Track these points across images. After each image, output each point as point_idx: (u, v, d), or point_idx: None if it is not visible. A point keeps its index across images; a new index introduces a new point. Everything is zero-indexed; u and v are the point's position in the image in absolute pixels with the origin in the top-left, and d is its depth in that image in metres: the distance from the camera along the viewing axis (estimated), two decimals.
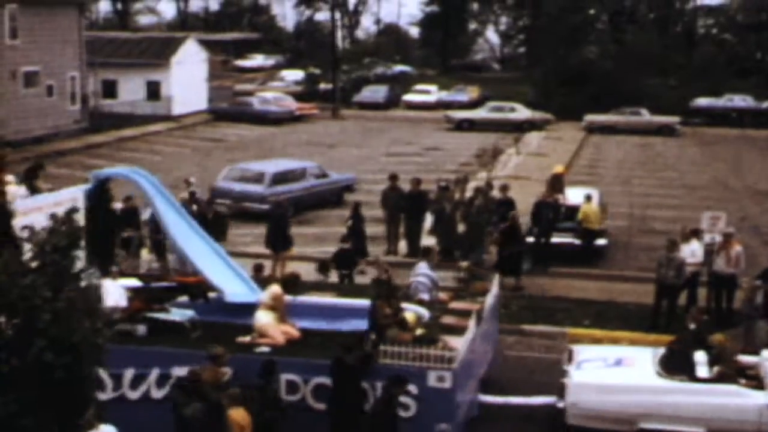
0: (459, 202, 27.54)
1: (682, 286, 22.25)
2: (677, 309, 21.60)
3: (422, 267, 19.14)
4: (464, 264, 20.17)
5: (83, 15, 55.67)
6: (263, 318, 16.13)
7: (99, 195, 19.16)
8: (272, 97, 66.34)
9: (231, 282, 18.31)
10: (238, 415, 13.26)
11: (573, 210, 27.42)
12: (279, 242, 24.34)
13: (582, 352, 17.35)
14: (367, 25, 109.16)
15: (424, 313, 17.16)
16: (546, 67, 72.67)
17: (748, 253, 23.44)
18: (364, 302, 17.04)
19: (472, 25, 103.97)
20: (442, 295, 18.32)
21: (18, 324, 10.18)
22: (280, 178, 33.26)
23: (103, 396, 14.76)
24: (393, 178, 28.76)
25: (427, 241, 27.33)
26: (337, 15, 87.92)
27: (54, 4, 50.59)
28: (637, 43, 74.72)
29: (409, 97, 72.89)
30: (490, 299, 17.93)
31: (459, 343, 15.21)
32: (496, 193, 28.21)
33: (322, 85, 73.47)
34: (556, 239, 26.77)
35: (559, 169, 31.58)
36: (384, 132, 57.71)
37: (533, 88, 71.72)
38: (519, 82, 77.97)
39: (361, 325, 16.32)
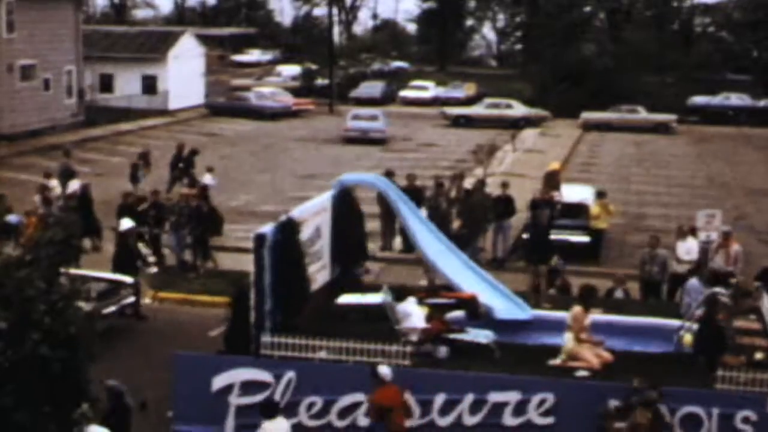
0: (454, 199, 27.54)
1: (680, 283, 22.32)
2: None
3: (695, 284, 18.29)
4: (734, 280, 19.25)
5: (80, 9, 55.53)
6: (573, 340, 15.39)
7: (343, 201, 18.82)
8: (269, 92, 66.24)
9: (492, 297, 17.67)
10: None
11: (569, 207, 27.38)
12: (538, 254, 22.23)
13: None
14: (364, 21, 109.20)
15: None
16: (543, 64, 72.63)
17: (744, 251, 23.42)
18: (664, 321, 16.49)
19: (469, 22, 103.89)
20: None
21: (13, 317, 10.17)
22: (385, 117, 52.80)
23: (410, 422, 14.44)
24: (389, 174, 28.66)
25: None
26: (335, 10, 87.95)
27: None
28: (634, 41, 74.74)
29: (405, 93, 72.84)
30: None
31: None
32: (491, 190, 28.22)
33: (319, 81, 73.40)
34: (553, 236, 26.70)
35: (555, 166, 31.56)
36: None
37: (530, 85, 71.72)
38: (516, 78, 77.93)
39: (667, 346, 15.74)
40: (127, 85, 60.82)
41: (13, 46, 47.15)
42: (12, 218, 23.71)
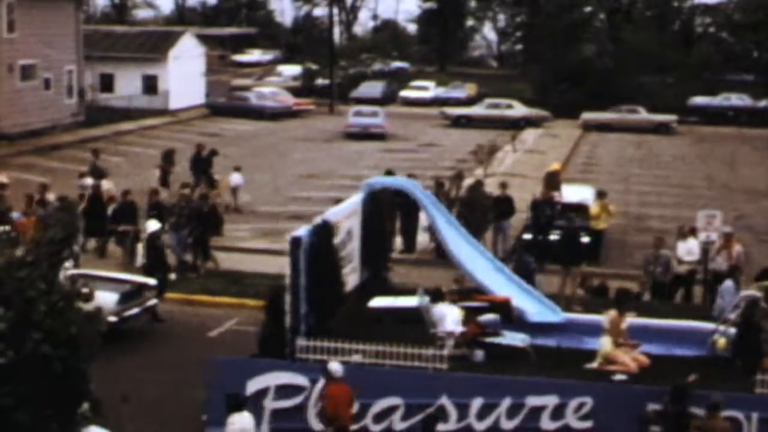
0: (454, 199, 27.55)
1: (681, 284, 22.33)
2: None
3: (729, 286, 18.14)
4: (765, 284, 18.95)
5: (81, 8, 55.51)
6: (610, 344, 15.33)
7: (372, 204, 18.82)
8: (269, 92, 66.25)
9: (524, 299, 17.63)
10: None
11: (569, 207, 27.36)
12: (571, 256, 21.59)
13: None
14: (364, 21, 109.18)
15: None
16: (543, 64, 72.63)
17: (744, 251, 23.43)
18: (696, 324, 16.46)
19: (470, 22, 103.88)
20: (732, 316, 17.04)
21: (14, 317, 10.17)
22: (385, 114, 55.58)
23: (446, 426, 14.34)
24: (389, 173, 28.74)
25: (422, 237, 27.30)
26: (335, 11, 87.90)
27: None
28: (634, 42, 74.74)
29: (406, 93, 72.81)
30: None
31: None
32: (491, 190, 28.21)
33: (320, 81, 73.38)
34: (553, 237, 26.70)
35: (555, 166, 31.56)
36: None
37: (530, 86, 71.70)
38: (516, 79, 77.94)
39: (698, 350, 15.69)
40: (127, 85, 60.81)
41: (13, 45, 47.12)
42: (14, 216, 23.80)
